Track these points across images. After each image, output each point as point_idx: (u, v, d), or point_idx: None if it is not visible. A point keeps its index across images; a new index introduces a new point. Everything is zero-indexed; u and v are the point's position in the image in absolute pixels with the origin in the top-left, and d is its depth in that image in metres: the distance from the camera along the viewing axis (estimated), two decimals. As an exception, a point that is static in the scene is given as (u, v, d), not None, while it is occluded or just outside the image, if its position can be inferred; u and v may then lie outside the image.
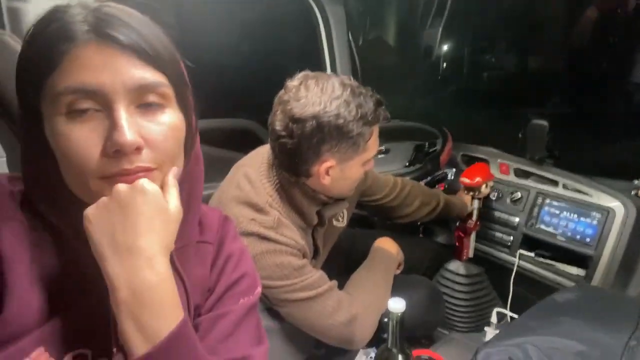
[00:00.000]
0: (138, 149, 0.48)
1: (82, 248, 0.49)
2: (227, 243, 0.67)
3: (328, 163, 0.95)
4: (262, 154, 1.07)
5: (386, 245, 1.28)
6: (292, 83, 0.95)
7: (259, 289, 0.69)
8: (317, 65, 2.02)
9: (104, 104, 0.48)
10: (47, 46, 0.47)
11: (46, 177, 0.52)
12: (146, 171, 0.50)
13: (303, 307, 1.00)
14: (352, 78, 0.97)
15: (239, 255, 0.67)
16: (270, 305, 1.03)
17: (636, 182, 1.45)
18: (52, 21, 0.48)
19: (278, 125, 0.94)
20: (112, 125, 0.47)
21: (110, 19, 0.48)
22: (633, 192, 1.42)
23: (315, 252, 1.14)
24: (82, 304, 0.51)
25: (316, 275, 1.02)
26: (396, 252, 1.27)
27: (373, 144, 0.99)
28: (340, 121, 0.91)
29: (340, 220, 1.21)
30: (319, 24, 1.95)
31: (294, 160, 0.96)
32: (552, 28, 2.13)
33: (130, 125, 0.48)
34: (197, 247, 0.63)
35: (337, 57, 2.01)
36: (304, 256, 1.04)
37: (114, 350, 0.49)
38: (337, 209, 1.13)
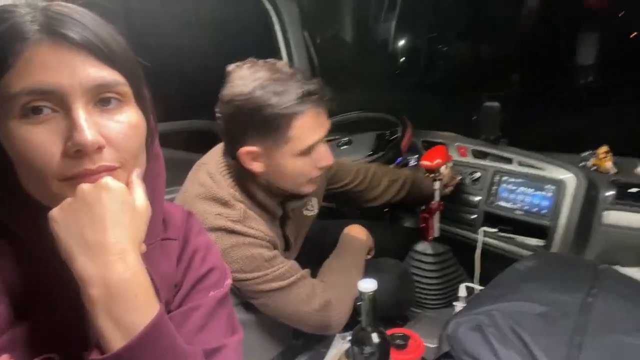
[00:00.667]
0: (99, 149, 0.48)
1: (44, 254, 0.49)
2: (192, 238, 0.67)
3: (249, 147, 0.97)
4: (221, 149, 1.08)
5: (355, 232, 1.31)
6: (231, 67, 0.98)
7: (229, 281, 0.69)
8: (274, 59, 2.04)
9: (62, 105, 0.47)
10: None
11: (2, 182, 0.51)
12: (109, 170, 0.50)
13: (277, 297, 1.02)
14: (294, 67, 0.99)
15: (205, 250, 0.68)
16: (244, 299, 1.04)
17: (583, 154, 1.54)
18: (1, 22, 0.47)
19: (216, 108, 0.98)
20: (72, 125, 0.47)
21: (61, 18, 0.48)
22: (582, 164, 1.51)
23: (287, 244, 1.15)
24: (47, 308, 0.51)
25: (287, 265, 1.03)
26: (365, 237, 1.30)
27: (301, 136, 0.96)
28: (252, 105, 0.92)
29: (311, 209, 1.23)
30: (273, 23, 1.97)
31: (225, 141, 1.01)
32: (500, 14, 2.22)
33: (90, 125, 0.47)
34: (162, 244, 0.63)
35: (295, 55, 2.03)
36: (275, 247, 1.05)
37: (86, 353, 0.49)
38: (300, 203, 1.14)
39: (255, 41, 2.10)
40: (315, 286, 1.06)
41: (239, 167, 1.02)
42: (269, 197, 1.05)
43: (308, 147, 0.98)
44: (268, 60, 0.99)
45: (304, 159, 1.00)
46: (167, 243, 0.64)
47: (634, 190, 1.37)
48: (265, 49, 2.08)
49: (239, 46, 1.86)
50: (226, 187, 1.01)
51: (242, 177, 1.03)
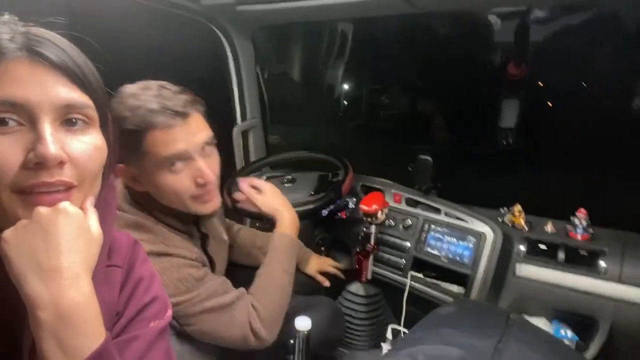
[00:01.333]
0: (61, 163, 0.49)
1: None
2: (137, 266, 0.68)
3: (125, 167, 0.99)
4: None
5: (284, 228, 1.28)
6: None
7: (170, 312, 0.70)
8: (225, 94, 2.07)
9: (29, 119, 0.48)
10: None
11: None
12: (66, 186, 0.50)
13: (211, 318, 1.02)
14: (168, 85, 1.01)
15: (150, 279, 0.68)
16: (179, 329, 1.02)
17: (502, 210, 1.71)
18: None
19: None
20: (36, 138, 0.48)
21: (40, 40, 0.50)
22: (499, 219, 1.67)
23: (211, 264, 1.16)
24: None
25: (218, 281, 1.05)
26: (295, 230, 1.30)
27: (154, 151, 0.96)
28: (115, 122, 0.95)
29: (223, 235, 1.27)
30: (227, 56, 2.02)
31: None
32: (435, 78, 2.44)
33: (54, 140, 0.49)
34: (106, 271, 0.63)
35: (245, 88, 2.09)
36: (203, 264, 1.06)
37: None
38: (211, 222, 1.19)
39: (208, 71, 2.13)
40: (247, 303, 1.08)
41: (133, 191, 1.03)
42: (173, 218, 1.06)
43: (167, 160, 0.97)
44: (153, 83, 1.02)
45: (175, 176, 0.99)
46: (112, 270, 0.64)
47: (542, 246, 1.54)
48: (216, 81, 2.12)
49: (192, 77, 1.89)
50: (136, 213, 1.01)
51: (143, 201, 1.04)
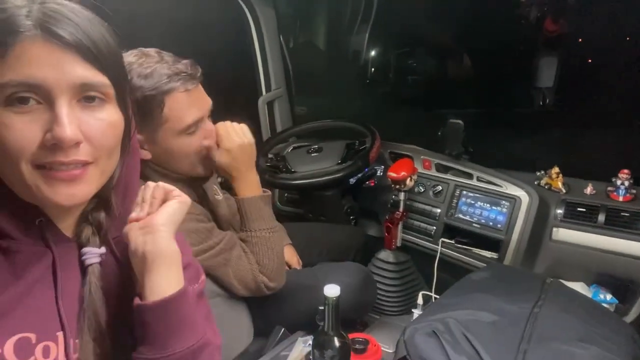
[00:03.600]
0: (77, 144, 0.50)
1: (26, 247, 0.53)
2: None
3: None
4: None
5: (249, 193, 1.14)
6: None
7: (204, 277, 0.72)
8: (249, 65, 2.05)
9: (46, 98, 0.49)
10: None
11: None
12: (82, 164, 0.52)
13: (223, 270, 1.08)
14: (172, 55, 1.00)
15: (181, 245, 0.69)
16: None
17: (538, 173, 1.64)
18: None
19: None
20: (54, 119, 0.49)
21: (55, 16, 0.49)
22: (536, 182, 1.61)
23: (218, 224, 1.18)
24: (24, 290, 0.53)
25: (226, 235, 1.10)
26: (258, 188, 1.16)
27: (177, 115, 0.97)
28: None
29: (218, 194, 1.26)
30: (250, 25, 1.98)
31: None
32: (467, 39, 2.33)
33: (71, 120, 0.49)
34: None
35: (269, 57, 2.06)
36: (209, 219, 1.09)
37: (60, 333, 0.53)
38: (207, 184, 1.19)
39: (231, 42, 2.11)
40: (252, 264, 1.11)
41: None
42: (173, 180, 1.03)
43: (188, 125, 0.99)
44: (151, 49, 1.00)
45: (190, 138, 1.02)
46: None
47: (581, 209, 1.47)
48: (239, 52, 2.10)
49: (214, 48, 1.87)
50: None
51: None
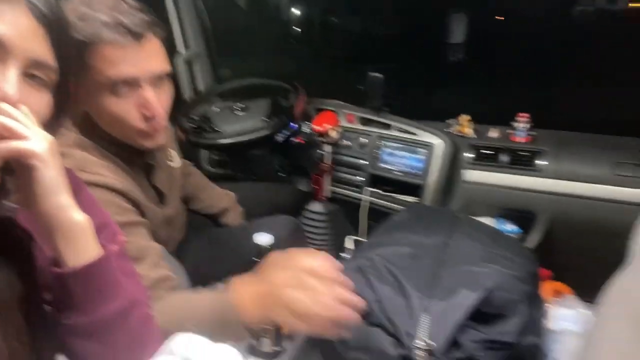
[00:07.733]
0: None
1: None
2: (81, 194, 0.67)
3: None
4: None
5: (243, 303, 0.85)
6: None
7: (122, 237, 0.70)
8: (164, 23, 1.95)
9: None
10: None
11: None
12: None
13: None
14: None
15: (90, 206, 0.66)
16: None
17: (448, 121, 1.77)
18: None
19: None
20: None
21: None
22: (447, 130, 1.74)
23: (160, 196, 1.11)
24: None
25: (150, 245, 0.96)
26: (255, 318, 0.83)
27: (101, 67, 0.88)
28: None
29: (172, 160, 1.19)
30: (162, -17, 1.88)
31: None
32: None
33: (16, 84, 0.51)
34: None
35: (184, 15, 1.98)
36: (134, 204, 0.97)
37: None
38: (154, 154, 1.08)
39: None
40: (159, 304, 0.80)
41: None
42: (113, 145, 0.97)
43: (111, 81, 0.89)
44: None
45: (120, 101, 0.91)
46: None
47: (487, 151, 1.63)
48: (157, 9, 1.98)
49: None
50: (69, 135, 0.94)
51: (83, 122, 0.96)
